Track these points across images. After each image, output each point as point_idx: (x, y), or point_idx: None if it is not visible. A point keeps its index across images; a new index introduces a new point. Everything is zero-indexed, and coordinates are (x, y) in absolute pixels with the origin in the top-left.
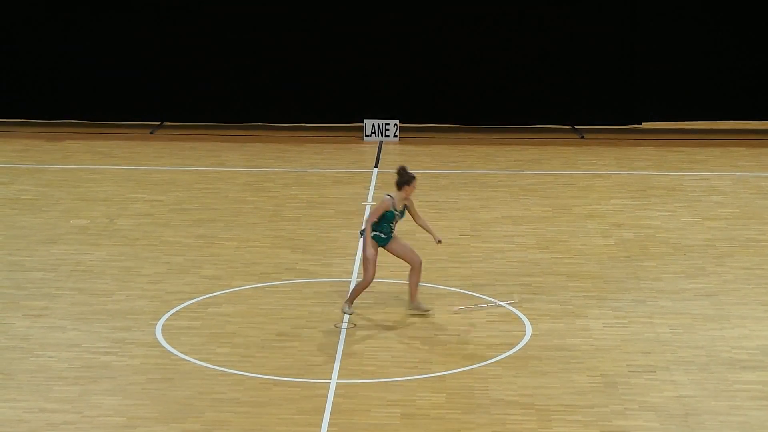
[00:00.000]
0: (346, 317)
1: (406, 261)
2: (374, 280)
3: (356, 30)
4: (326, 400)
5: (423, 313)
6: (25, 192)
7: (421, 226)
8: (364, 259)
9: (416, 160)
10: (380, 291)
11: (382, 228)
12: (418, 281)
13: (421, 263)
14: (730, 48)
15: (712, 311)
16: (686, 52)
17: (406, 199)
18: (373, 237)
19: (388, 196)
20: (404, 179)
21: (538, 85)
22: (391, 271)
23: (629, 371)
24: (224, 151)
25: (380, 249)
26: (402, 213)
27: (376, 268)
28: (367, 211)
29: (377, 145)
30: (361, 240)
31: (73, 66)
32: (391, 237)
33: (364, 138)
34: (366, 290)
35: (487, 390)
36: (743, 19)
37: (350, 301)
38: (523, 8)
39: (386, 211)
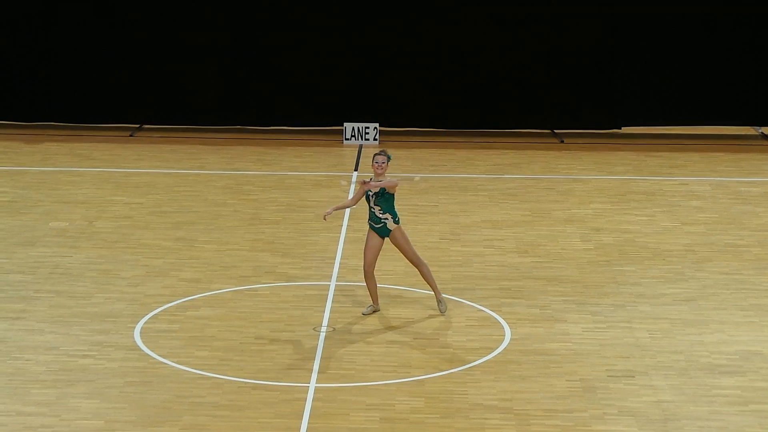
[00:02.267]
0: (325, 320)
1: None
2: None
3: (336, 34)
4: (305, 404)
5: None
6: (3, 194)
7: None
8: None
9: (396, 163)
10: (360, 294)
11: (370, 215)
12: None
13: (419, 262)
14: (710, 53)
15: (691, 316)
16: (665, 57)
17: (383, 178)
18: (369, 226)
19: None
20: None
21: (519, 89)
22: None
23: (608, 376)
24: (204, 154)
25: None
26: (379, 195)
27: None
28: (347, 213)
29: (357, 149)
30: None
31: (53, 68)
32: (387, 229)
33: (344, 141)
34: (344, 294)
35: (466, 394)
36: (722, 24)
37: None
38: (503, 13)
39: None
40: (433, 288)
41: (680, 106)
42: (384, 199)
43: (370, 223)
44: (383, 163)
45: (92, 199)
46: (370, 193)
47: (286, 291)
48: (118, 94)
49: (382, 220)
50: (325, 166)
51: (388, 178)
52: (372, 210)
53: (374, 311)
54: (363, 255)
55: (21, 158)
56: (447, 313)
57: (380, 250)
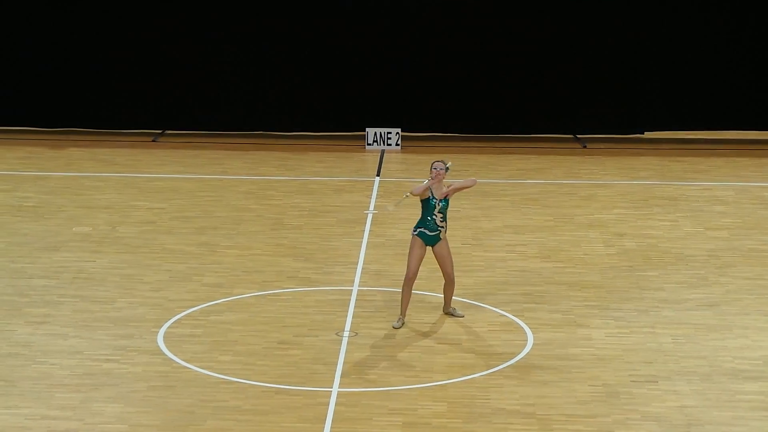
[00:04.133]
0: (348, 325)
1: (442, 272)
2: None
3: (358, 39)
4: (328, 409)
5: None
6: (27, 199)
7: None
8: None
9: (417, 168)
10: (381, 300)
11: (426, 222)
12: (452, 294)
13: (453, 279)
14: (733, 58)
15: (714, 321)
16: (689, 62)
17: (440, 186)
18: (419, 234)
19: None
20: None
21: (541, 94)
22: (393, 281)
23: (631, 381)
24: (226, 159)
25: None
26: (444, 203)
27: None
28: (369, 219)
29: (379, 154)
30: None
31: (76, 74)
32: (439, 237)
33: (366, 146)
34: (367, 299)
35: (489, 399)
36: (746, 29)
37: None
38: (525, 18)
39: (425, 198)
40: (448, 301)
41: (703, 111)
42: (447, 207)
43: (421, 231)
44: (441, 170)
45: (115, 204)
46: (436, 201)
47: (308, 296)
48: (140, 99)
49: (440, 228)
50: (347, 171)
51: (455, 183)
52: (433, 217)
53: (402, 324)
54: (407, 262)
55: (45, 163)
56: (469, 318)
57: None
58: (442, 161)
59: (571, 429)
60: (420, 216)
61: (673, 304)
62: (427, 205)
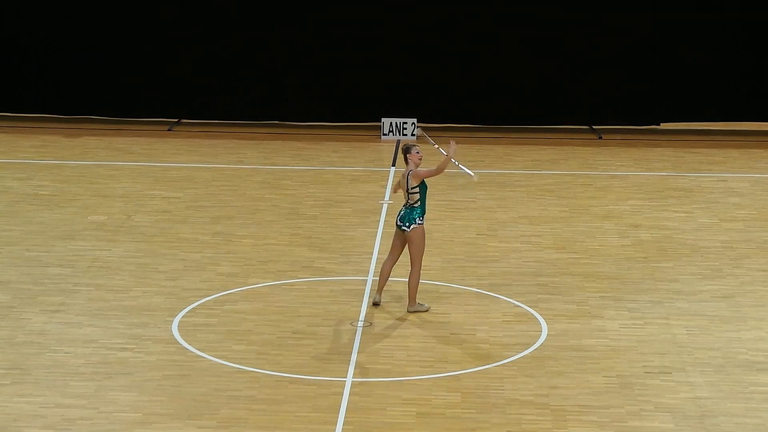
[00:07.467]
0: (362, 315)
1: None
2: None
3: (375, 29)
4: (342, 398)
5: (424, 312)
6: (43, 188)
7: (437, 169)
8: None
9: (434, 158)
10: (396, 289)
11: (426, 210)
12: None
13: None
14: (749, 48)
15: (728, 313)
16: (704, 53)
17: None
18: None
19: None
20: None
21: (557, 85)
22: (407, 271)
23: (645, 372)
24: (242, 149)
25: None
26: (417, 187)
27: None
28: (385, 209)
29: (395, 144)
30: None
31: (91, 62)
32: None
33: (382, 136)
34: (382, 289)
35: (503, 390)
36: (762, 18)
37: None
38: (541, 8)
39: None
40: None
41: (719, 103)
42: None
43: (424, 219)
44: (419, 152)
45: (131, 193)
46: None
47: (323, 286)
48: (156, 88)
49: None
50: (362, 161)
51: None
52: (426, 204)
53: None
54: (422, 256)
55: (60, 152)
56: (484, 309)
57: None
58: (414, 144)
59: (584, 420)
60: (420, 204)
61: (688, 296)
62: (425, 189)
